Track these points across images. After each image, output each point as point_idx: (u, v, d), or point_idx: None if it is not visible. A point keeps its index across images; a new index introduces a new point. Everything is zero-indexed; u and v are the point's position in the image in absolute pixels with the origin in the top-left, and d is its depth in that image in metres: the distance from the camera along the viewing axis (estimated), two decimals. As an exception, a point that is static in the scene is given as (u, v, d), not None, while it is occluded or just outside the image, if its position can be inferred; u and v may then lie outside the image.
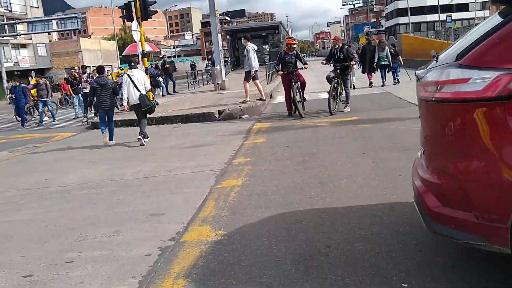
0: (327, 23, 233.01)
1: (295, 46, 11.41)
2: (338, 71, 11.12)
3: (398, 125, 8.63)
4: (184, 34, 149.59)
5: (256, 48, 14.28)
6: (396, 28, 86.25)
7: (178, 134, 10.86)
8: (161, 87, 23.79)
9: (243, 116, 12.42)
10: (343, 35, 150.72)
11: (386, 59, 16.90)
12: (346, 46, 11.38)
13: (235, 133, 9.95)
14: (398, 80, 17.37)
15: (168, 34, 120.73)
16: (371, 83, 17.24)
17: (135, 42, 19.33)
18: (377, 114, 10.36)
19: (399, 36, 35.19)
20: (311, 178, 5.60)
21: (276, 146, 7.92)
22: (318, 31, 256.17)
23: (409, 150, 5.98)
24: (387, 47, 17.36)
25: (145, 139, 9.56)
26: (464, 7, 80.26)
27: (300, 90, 11.20)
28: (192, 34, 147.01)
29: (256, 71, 13.95)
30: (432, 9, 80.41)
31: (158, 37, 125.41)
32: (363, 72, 18.07)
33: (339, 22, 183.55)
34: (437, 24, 74.77)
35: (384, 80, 17.24)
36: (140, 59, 17.33)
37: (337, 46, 11.20)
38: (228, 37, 45.31)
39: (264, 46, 45.05)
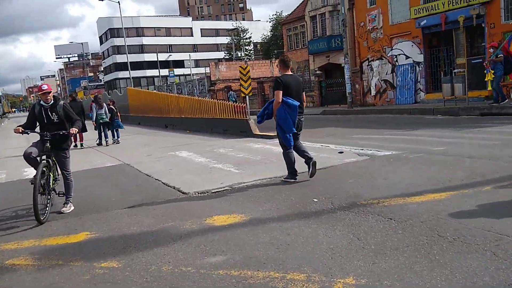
0: (41, 76, 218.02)
1: None
2: (49, 144, 6.41)
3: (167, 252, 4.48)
4: None
5: None
6: (116, 82, 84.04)
7: None
8: None
9: None
10: (59, 89, 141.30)
11: (105, 117, 16.33)
12: (61, 102, 6.74)
13: None
14: (118, 140, 16.93)
15: None
16: (80, 144, 16.60)
17: None
18: (126, 218, 5.98)
19: (124, 90, 31.68)
20: None
21: None
22: (32, 85, 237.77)
23: None
24: (105, 104, 16.86)
25: None
26: (180, 64, 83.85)
27: None
28: None
29: None
30: (151, 65, 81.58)
31: None
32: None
33: (53, 75, 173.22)
34: (157, 79, 76.16)
35: (107, 139, 16.62)
36: None
37: (49, 101, 6.51)
38: None
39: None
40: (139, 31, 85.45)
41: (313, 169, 7.08)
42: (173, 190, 7.49)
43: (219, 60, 63.70)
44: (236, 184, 7.39)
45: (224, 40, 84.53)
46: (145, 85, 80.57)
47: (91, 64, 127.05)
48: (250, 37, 79.49)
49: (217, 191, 7.04)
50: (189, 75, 75.86)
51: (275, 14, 75.07)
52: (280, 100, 6.79)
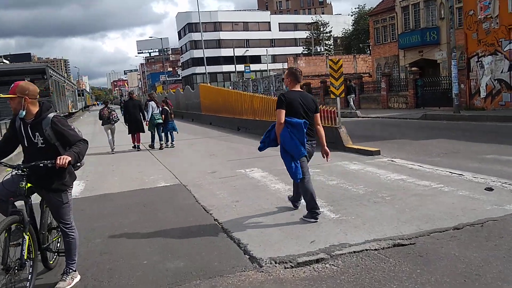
0: (124, 71, 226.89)
1: None
2: (24, 183, 3.96)
3: None
4: None
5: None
6: (193, 78, 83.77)
7: None
8: None
9: None
10: (140, 83, 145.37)
11: (158, 117, 14.96)
12: (52, 114, 5.99)
13: None
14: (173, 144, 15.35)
15: None
16: (137, 146, 15.24)
17: None
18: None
19: (197, 88, 29.78)
20: None
21: None
22: (116, 79, 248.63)
23: None
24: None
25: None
26: (257, 59, 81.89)
27: None
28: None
29: None
30: (227, 60, 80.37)
31: None
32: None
33: (136, 70, 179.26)
34: (233, 75, 74.63)
35: (161, 142, 15.14)
36: None
37: (17, 111, 4.03)
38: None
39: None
40: (216, 26, 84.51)
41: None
42: (238, 249, 4.77)
43: (297, 55, 60.65)
44: (337, 248, 4.55)
45: (303, 34, 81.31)
46: (221, 81, 79.52)
47: (170, 59, 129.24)
48: (330, 31, 75.78)
49: (307, 263, 4.24)
50: (265, 70, 73.80)
51: (358, 7, 70.55)
52: (282, 121, 5.51)
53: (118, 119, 15.10)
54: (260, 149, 5.95)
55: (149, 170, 10.62)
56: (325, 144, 5.80)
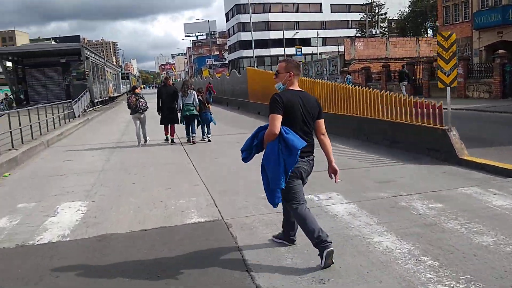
0: (172, 54, 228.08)
1: None
2: None
3: None
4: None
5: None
6: (239, 61, 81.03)
7: None
8: None
9: None
10: (187, 67, 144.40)
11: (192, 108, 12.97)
12: None
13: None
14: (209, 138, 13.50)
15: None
16: (171, 140, 13.48)
17: None
18: None
19: (244, 72, 26.84)
20: None
21: None
22: (164, 63, 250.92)
23: None
24: (194, 92, 13.24)
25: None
26: (307, 42, 78.01)
27: None
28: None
29: None
30: (275, 43, 77.08)
31: None
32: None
33: (183, 54, 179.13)
34: (281, 58, 71.16)
35: (194, 135, 13.25)
36: None
37: None
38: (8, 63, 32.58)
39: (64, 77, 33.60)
40: (265, 7, 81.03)
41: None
42: None
43: (356, 36, 56.46)
44: None
45: (356, 16, 76.62)
46: (269, 65, 76.30)
47: (217, 42, 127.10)
48: (385, 13, 71.06)
49: None
50: (315, 54, 70.20)
51: (417, -13, 65.58)
52: (277, 131, 3.97)
53: (147, 107, 13.22)
54: (244, 159, 4.44)
55: (180, 184, 7.70)
56: (333, 160, 4.35)
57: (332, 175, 4.39)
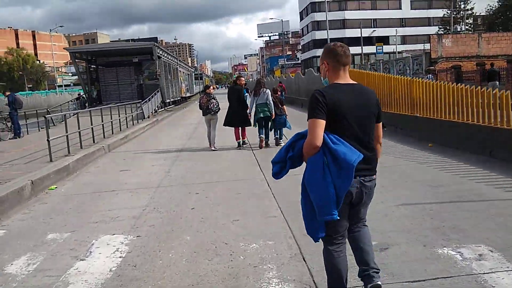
0: (245, 55, 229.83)
1: None
2: None
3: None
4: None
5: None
6: (313, 61, 78.64)
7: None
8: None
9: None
10: (259, 67, 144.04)
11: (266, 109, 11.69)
12: None
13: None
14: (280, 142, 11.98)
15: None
16: (243, 142, 12.29)
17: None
18: None
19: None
20: None
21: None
22: (236, 63, 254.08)
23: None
24: (268, 91, 11.94)
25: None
26: (384, 40, 74.18)
27: None
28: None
29: None
30: (352, 41, 73.97)
31: (58, 63, 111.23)
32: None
33: (256, 54, 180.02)
34: (358, 57, 68.17)
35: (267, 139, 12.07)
36: None
37: None
38: (82, 62, 32.60)
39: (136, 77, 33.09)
40: (341, 5, 78.11)
41: None
42: None
43: (444, 32, 52.35)
44: None
45: (438, 13, 71.68)
46: (344, 64, 73.31)
47: (290, 42, 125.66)
48: (472, 8, 65.96)
49: None
50: (393, 52, 66.58)
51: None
52: (319, 142, 2.88)
53: (219, 109, 12.30)
54: (275, 175, 3.20)
55: (251, 214, 5.85)
56: None
57: None
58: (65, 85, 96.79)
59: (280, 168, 3.22)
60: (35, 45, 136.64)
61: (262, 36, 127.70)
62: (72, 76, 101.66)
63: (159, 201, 6.84)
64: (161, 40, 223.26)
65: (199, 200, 6.77)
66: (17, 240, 5.37)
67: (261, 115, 11.69)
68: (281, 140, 12.02)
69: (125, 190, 7.79)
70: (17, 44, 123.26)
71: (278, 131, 12.14)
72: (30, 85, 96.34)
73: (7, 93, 17.33)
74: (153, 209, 6.41)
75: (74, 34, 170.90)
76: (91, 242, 5.12)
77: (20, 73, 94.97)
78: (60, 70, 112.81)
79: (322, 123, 2.90)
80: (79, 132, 12.27)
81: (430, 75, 28.11)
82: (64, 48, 34.27)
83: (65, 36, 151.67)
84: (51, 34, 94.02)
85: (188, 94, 51.14)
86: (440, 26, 69.40)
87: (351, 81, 3.12)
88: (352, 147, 2.89)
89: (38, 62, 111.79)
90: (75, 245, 5.08)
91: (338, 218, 2.90)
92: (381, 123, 3.22)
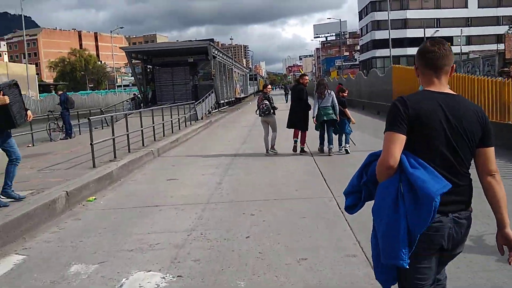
0: (300, 56, 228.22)
1: None
2: None
3: None
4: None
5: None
6: (372, 62, 75.96)
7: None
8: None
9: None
10: (314, 68, 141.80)
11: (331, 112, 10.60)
12: None
13: None
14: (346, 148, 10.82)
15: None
16: (302, 149, 11.14)
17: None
18: None
19: (388, 70, 23.12)
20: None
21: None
22: (291, 64, 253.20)
23: None
24: (333, 92, 10.92)
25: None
26: (448, 41, 70.26)
27: None
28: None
29: None
30: (413, 42, 70.88)
31: (118, 64, 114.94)
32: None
33: (311, 55, 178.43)
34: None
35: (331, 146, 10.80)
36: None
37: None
38: (138, 62, 32.35)
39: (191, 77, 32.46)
40: (403, 4, 74.98)
41: None
42: None
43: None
44: None
45: (509, 11, 67.28)
46: (405, 65, 70.36)
47: (347, 43, 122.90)
48: (549, 5, 61.39)
49: None
50: (458, 54, 62.98)
51: None
52: (394, 162, 2.21)
53: (269, 110, 11.29)
54: (349, 209, 2.66)
55: (322, 248, 4.60)
56: (508, 222, 2.28)
57: (505, 247, 2.31)
58: (124, 85, 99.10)
59: (354, 199, 2.61)
60: (97, 46, 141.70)
61: (318, 37, 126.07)
62: (131, 76, 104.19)
63: (207, 223, 5.71)
64: (217, 42, 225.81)
65: (255, 225, 5.57)
66: (34, 273, 4.39)
67: (325, 118, 10.67)
68: (347, 145, 10.97)
69: (170, 205, 6.74)
70: (80, 45, 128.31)
71: (343, 135, 11.07)
72: (92, 85, 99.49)
73: (60, 92, 16.94)
74: (200, 234, 5.28)
75: (134, 36, 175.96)
76: (120, 282, 4.04)
77: (82, 73, 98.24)
78: (120, 70, 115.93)
79: (400, 138, 2.26)
80: (128, 135, 11.46)
81: (503, 77, 25.76)
82: (120, 48, 34.28)
83: (126, 38, 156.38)
84: (112, 36, 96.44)
85: (242, 95, 50.39)
86: (511, 26, 65.10)
87: (449, 91, 2.39)
88: (437, 174, 2.22)
89: (99, 62, 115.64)
90: (100, 285, 4.03)
91: (408, 267, 2.19)
92: (492, 148, 2.38)
